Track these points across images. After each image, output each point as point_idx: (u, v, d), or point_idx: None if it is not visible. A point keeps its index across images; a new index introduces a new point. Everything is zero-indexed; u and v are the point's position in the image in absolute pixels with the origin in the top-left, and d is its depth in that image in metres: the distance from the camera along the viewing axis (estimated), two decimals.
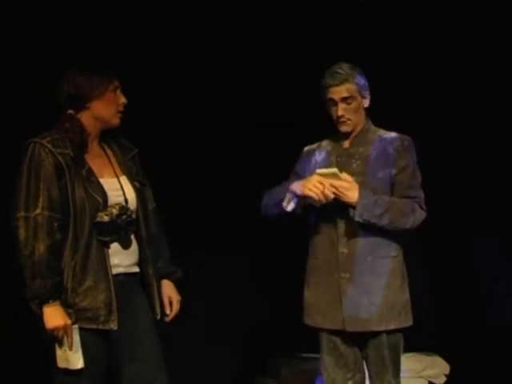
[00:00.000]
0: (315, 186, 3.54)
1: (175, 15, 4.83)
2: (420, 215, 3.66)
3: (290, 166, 5.00)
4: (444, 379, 5.19)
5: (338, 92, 3.68)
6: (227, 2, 4.89)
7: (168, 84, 4.78)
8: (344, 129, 3.72)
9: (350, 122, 3.70)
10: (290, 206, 3.63)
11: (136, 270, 3.35)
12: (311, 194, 3.55)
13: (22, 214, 3.13)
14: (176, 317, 3.49)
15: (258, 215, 5.04)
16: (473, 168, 5.00)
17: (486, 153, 5.05)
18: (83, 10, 4.51)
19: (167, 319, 3.46)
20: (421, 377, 5.14)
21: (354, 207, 3.56)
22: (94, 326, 3.17)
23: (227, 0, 4.90)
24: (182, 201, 4.79)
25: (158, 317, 3.39)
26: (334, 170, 3.56)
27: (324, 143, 3.86)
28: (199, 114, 4.96)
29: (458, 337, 4.97)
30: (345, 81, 3.67)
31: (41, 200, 3.13)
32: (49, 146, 3.18)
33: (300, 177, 3.77)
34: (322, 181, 3.55)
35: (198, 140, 4.98)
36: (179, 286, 3.56)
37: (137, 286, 3.35)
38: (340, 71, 3.68)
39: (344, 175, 3.56)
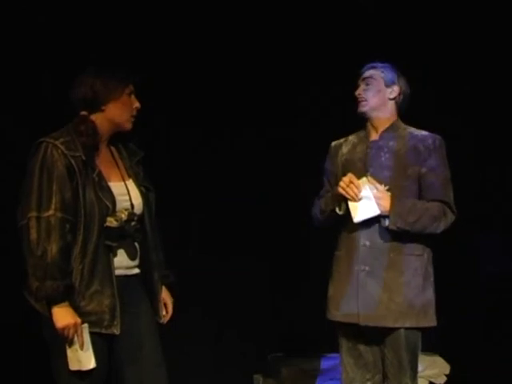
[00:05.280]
0: (346, 185, 3.55)
1: (175, 15, 4.83)
2: (450, 218, 3.67)
3: (291, 166, 5.02)
4: (444, 379, 5.19)
5: (363, 75, 3.75)
6: (227, 2, 4.90)
7: (168, 83, 4.78)
8: (359, 109, 3.71)
9: (365, 102, 3.69)
10: (342, 210, 3.62)
11: (136, 271, 3.34)
12: (343, 192, 3.55)
13: (34, 214, 3.09)
14: (171, 318, 3.48)
15: (258, 215, 5.08)
16: (471, 167, 5.00)
17: (485, 153, 5.05)
18: (83, 10, 4.51)
19: (164, 321, 3.45)
20: (421, 377, 5.13)
21: (384, 216, 3.56)
22: (97, 330, 3.16)
23: (227, 0, 4.90)
24: (182, 201, 4.79)
25: (161, 321, 3.41)
26: (364, 179, 3.56)
27: (351, 137, 3.83)
28: (199, 113, 4.96)
29: (457, 337, 4.97)
30: (372, 68, 3.74)
31: (53, 201, 3.09)
32: (62, 147, 3.14)
33: (330, 172, 3.80)
34: (352, 179, 3.56)
35: (198, 140, 4.98)
36: (179, 287, 3.56)
37: (137, 286, 3.34)
38: (374, 64, 3.75)
39: (376, 184, 3.56)
